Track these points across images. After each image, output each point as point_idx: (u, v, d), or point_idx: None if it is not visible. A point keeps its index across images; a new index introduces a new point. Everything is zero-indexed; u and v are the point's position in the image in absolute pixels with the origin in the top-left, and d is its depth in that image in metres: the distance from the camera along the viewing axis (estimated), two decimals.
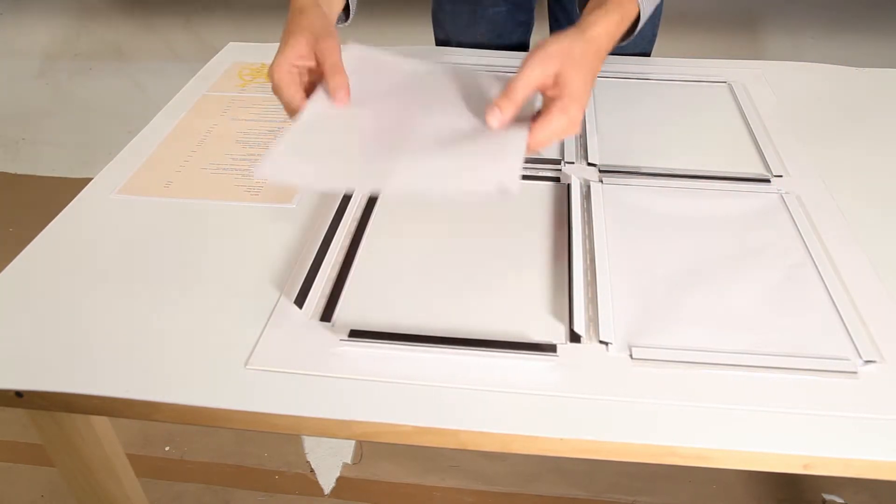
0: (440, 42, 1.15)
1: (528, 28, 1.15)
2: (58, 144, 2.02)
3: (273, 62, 0.65)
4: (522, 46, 1.15)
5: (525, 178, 0.77)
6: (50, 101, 1.98)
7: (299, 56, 0.65)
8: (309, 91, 0.66)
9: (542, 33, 1.16)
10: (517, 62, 0.63)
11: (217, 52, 1.06)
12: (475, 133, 0.63)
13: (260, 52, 1.06)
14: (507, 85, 0.61)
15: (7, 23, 1.87)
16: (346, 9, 0.76)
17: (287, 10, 0.69)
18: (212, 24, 1.79)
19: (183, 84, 0.97)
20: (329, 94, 0.65)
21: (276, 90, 0.66)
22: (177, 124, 0.88)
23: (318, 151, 0.62)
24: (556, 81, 0.61)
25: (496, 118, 0.61)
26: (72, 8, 1.82)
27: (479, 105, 0.65)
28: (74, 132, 2.00)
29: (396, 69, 0.71)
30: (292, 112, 0.66)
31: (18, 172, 2.02)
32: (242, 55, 1.05)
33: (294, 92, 0.65)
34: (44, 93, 1.97)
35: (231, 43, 1.09)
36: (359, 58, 0.69)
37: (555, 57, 0.61)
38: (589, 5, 0.68)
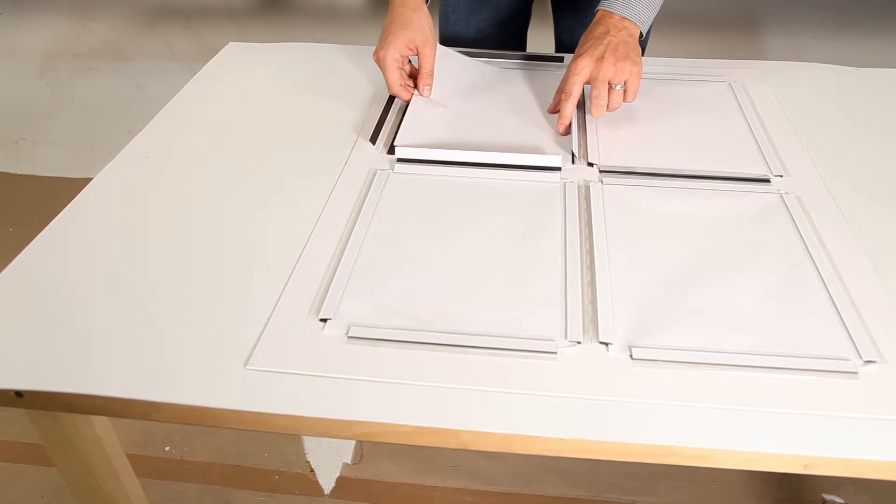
0: (444, 34, 1.16)
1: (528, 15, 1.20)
2: (58, 144, 2.02)
3: (385, 47, 0.85)
4: (522, 33, 1.20)
5: (524, 178, 0.77)
6: (50, 101, 1.97)
7: (407, 48, 0.86)
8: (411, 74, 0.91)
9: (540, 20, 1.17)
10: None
11: (217, 52, 1.06)
12: (532, 118, 0.88)
13: (260, 52, 1.06)
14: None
15: (7, 23, 1.87)
16: None
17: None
18: (212, 24, 1.79)
19: (183, 84, 0.97)
20: (418, 90, 0.90)
21: (384, 70, 0.87)
22: (175, 124, 0.88)
23: (427, 128, 0.85)
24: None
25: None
26: (72, 8, 1.82)
27: (531, 96, 0.93)
28: (74, 132, 2.00)
29: (473, 69, 0.98)
30: (391, 89, 0.88)
31: (18, 172, 2.02)
32: (242, 55, 1.05)
33: (396, 76, 0.87)
34: (44, 93, 1.97)
35: (231, 43, 1.09)
36: (448, 56, 0.95)
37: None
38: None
